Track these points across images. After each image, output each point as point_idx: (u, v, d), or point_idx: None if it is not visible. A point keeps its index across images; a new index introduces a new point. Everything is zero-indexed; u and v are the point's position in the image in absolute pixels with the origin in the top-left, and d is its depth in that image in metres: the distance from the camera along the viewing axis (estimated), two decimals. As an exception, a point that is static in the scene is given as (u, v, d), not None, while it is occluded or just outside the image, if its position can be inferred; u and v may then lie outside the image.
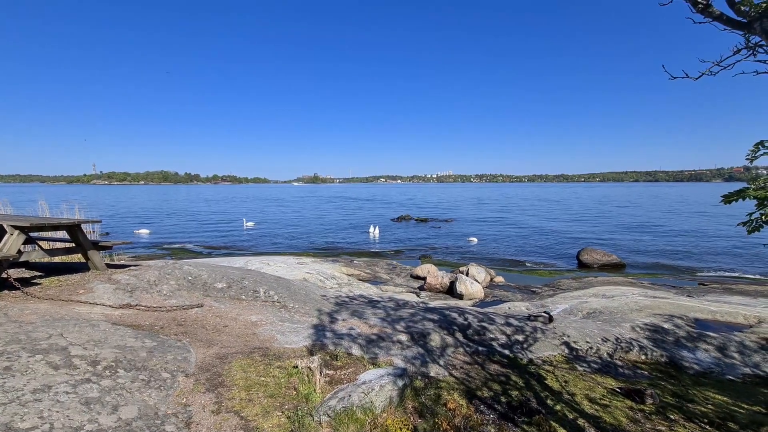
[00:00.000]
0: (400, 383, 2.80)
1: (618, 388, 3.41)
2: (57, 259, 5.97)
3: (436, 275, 10.04)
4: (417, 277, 11.11)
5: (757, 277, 12.14)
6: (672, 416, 2.96)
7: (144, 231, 21.70)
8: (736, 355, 4.44)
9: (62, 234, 6.58)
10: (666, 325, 5.29)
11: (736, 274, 12.48)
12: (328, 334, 3.95)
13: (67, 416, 2.05)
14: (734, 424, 2.88)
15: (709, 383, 3.78)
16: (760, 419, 2.96)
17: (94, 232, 9.18)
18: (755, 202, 1.98)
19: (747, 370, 4.15)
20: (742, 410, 3.13)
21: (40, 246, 5.24)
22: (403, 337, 4.06)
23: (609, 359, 4.20)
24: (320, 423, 2.38)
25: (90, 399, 2.23)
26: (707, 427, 2.82)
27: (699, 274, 12.60)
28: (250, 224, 25.42)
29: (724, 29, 2.06)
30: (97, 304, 3.94)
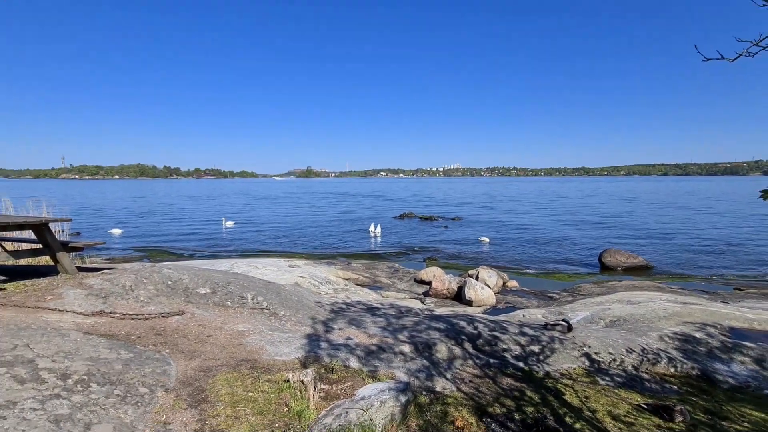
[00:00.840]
0: (403, 399, 2.81)
1: (644, 404, 3.42)
2: (23, 261, 5.98)
3: (442, 279, 10.05)
4: (421, 282, 11.12)
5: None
6: (704, 435, 2.96)
7: (116, 231, 21.67)
8: (775, 368, 4.44)
9: (28, 234, 6.59)
10: (698, 335, 5.29)
11: (775, 278, 12.47)
12: (323, 345, 3.96)
13: (35, 435, 2.05)
14: (773, 443, 2.89)
15: (746, 399, 3.79)
16: (802, 438, 2.97)
17: (63, 231, 9.21)
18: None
19: (788, 384, 4.16)
20: (781, 428, 3.14)
21: (3, 247, 5.26)
22: (406, 348, 4.06)
23: (634, 372, 4.20)
24: (314, 443, 2.38)
25: (60, 416, 2.23)
26: (743, 447, 2.83)
27: (734, 278, 12.60)
28: (230, 224, 25.13)
29: (764, 5, 2.05)
30: (67, 312, 3.95)
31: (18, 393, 2.36)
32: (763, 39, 2.27)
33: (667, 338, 5.15)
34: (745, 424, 3.19)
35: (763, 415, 3.38)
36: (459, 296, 9.55)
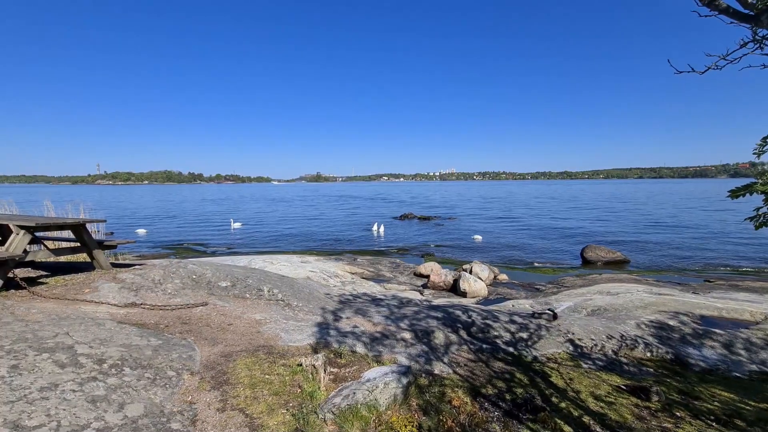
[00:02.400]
0: (405, 381, 2.80)
1: (623, 385, 3.40)
2: (62, 258, 6.02)
3: (439, 273, 10.03)
4: (420, 275, 11.11)
5: (764, 272, 12.04)
6: (678, 413, 2.94)
7: (141, 231, 21.63)
8: (742, 352, 4.41)
9: (67, 234, 6.62)
10: (671, 322, 5.26)
11: (742, 271, 12.39)
12: (332, 332, 3.96)
13: (74, 414, 2.06)
14: (741, 420, 2.86)
15: (715, 380, 3.76)
16: (767, 416, 2.94)
17: (98, 231, 9.25)
18: (763, 197, 1.96)
19: (753, 366, 4.12)
20: (748, 407, 3.11)
21: (45, 245, 5.28)
22: (407, 335, 4.06)
23: (614, 356, 4.18)
24: (325, 420, 2.38)
25: (96, 397, 2.24)
26: (714, 424, 2.81)
27: (705, 270, 12.52)
28: (238, 225, 24.76)
29: (731, 22, 2.04)
30: (102, 303, 3.96)
31: (59, 376, 2.38)
32: (730, 54, 2.26)
33: (643, 326, 5.12)
34: (715, 403, 3.17)
35: (731, 395, 3.35)
36: (454, 288, 9.53)
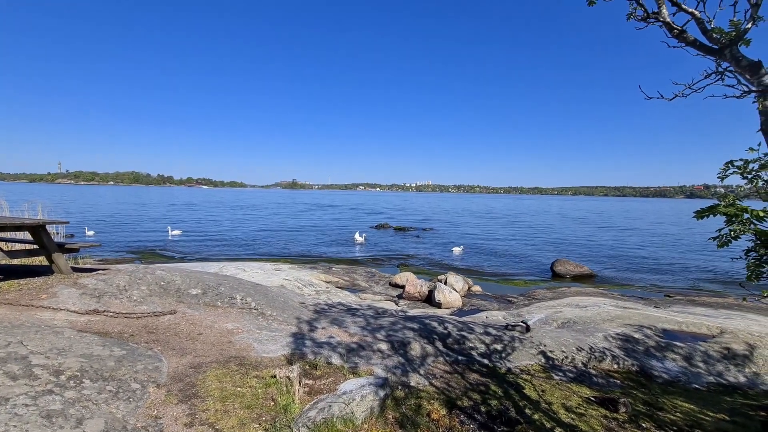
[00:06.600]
0: (382, 393, 2.77)
1: (593, 397, 3.49)
2: (16, 261, 5.62)
3: (414, 283, 10.05)
4: (396, 285, 11.09)
5: (718, 290, 12.78)
6: (644, 424, 3.04)
7: (90, 232, 20.30)
8: (701, 365, 4.63)
9: (23, 235, 6.21)
10: (636, 335, 5.47)
11: (698, 287, 13.10)
12: (308, 343, 3.87)
13: (26, 430, 1.90)
14: (701, 431, 2.99)
15: (677, 392, 3.93)
16: (725, 427, 3.09)
17: (58, 233, 8.73)
18: (724, 218, 2.09)
19: (711, 378, 4.34)
20: (708, 418, 3.26)
21: (-1, 247, 4.93)
22: (384, 346, 4.02)
23: (584, 368, 4.29)
24: (299, 435, 2.31)
25: (52, 411, 2.08)
26: (677, 434, 2.92)
27: (665, 285, 13.15)
28: (177, 232, 23.02)
29: (697, 54, 2.19)
30: (61, 310, 3.72)
31: (10, 389, 2.20)
32: (695, 83, 2.42)
33: (611, 338, 5.30)
34: (678, 414, 3.30)
35: (691, 406, 3.51)
36: (429, 299, 9.57)
